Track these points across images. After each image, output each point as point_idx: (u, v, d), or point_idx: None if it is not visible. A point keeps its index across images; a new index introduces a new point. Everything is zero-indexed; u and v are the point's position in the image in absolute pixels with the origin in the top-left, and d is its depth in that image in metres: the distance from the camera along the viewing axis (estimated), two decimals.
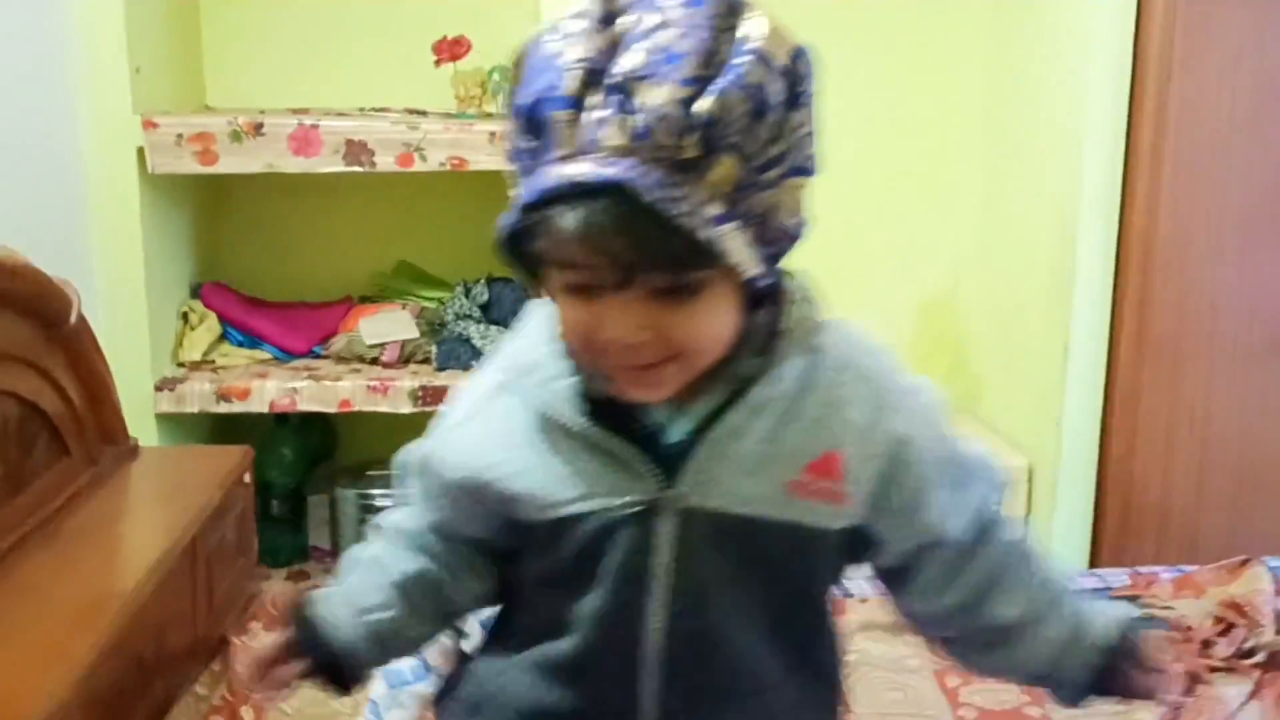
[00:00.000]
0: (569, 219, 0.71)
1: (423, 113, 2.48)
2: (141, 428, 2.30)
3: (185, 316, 2.45)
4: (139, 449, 1.98)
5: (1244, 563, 1.93)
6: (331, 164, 2.20)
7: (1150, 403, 2.41)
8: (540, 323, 0.86)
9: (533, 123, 0.73)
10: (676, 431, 0.83)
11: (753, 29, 0.72)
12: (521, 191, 0.75)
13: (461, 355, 2.38)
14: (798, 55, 0.76)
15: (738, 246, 0.73)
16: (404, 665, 1.47)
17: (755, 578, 0.84)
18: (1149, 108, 2.28)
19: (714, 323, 0.77)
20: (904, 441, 0.86)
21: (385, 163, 2.21)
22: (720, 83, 0.70)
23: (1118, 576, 2.08)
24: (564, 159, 0.71)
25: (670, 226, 0.70)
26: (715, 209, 0.72)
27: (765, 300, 0.82)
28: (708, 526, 0.82)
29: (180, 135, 2.18)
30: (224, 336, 2.47)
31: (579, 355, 0.81)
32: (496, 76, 2.41)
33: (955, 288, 2.96)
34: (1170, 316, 2.36)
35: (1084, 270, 2.39)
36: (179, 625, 1.69)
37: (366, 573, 0.95)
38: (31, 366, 1.64)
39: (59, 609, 1.41)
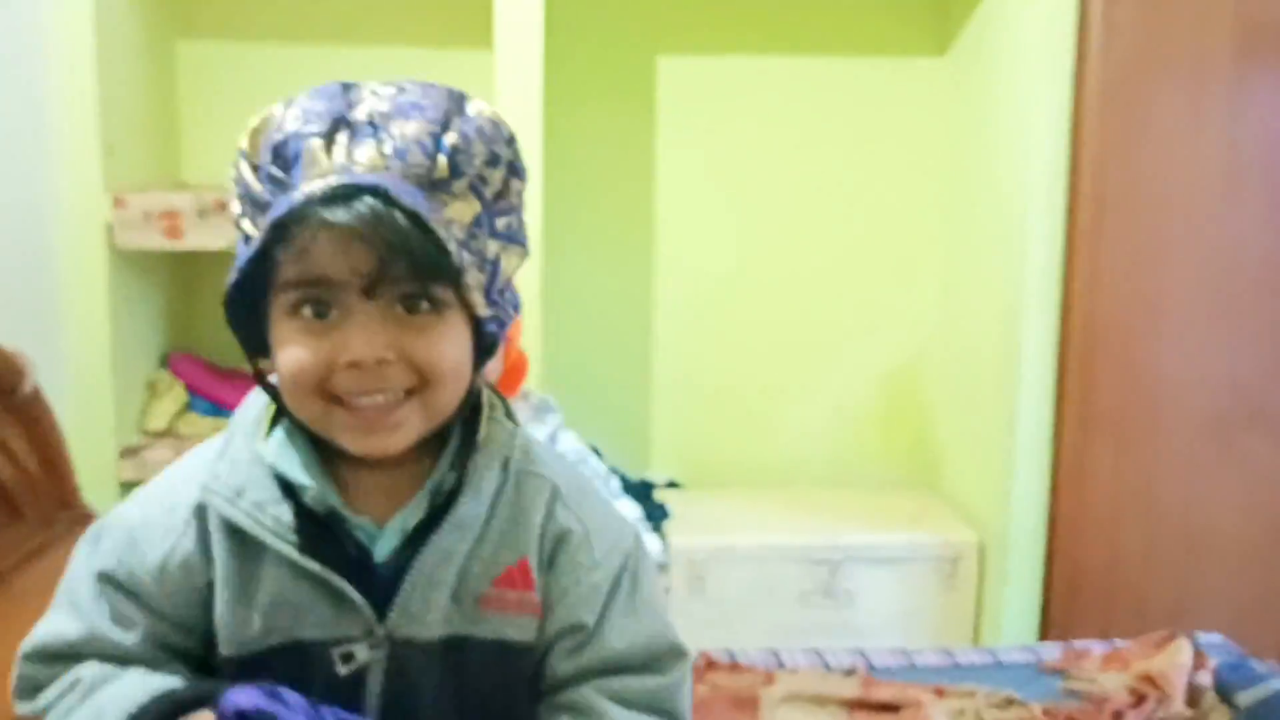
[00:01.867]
0: (327, 217, 0.71)
1: None
2: (104, 494, 2.36)
3: (153, 386, 2.52)
4: (92, 516, 2.04)
5: (1169, 637, 1.97)
6: None
7: (1097, 479, 2.45)
8: (242, 442, 0.82)
9: (280, 157, 0.75)
10: (383, 549, 0.81)
11: (481, 106, 0.79)
12: (262, 221, 0.75)
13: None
14: (514, 138, 0.81)
15: (474, 277, 0.76)
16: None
17: (465, 701, 0.82)
18: (1087, 191, 2.35)
19: (454, 350, 0.77)
20: (568, 533, 0.84)
21: None
22: (462, 125, 0.76)
23: (1050, 650, 2.11)
24: (319, 178, 0.73)
25: (424, 229, 0.72)
26: (459, 233, 0.75)
27: (475, 412, 0.83)
28: (417, 652, 0.80)
29: (148, 213, 2.26)
30: (190, 406, 2.54)
31: (308, 402, 0.76)
32: None
33: (919, 361, 3.02)
34: (1114, 394, 2.42)
35: (1028, 348, 2.45)
36: None
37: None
38: None
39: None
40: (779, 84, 2.88)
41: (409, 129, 0.74)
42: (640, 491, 2.86)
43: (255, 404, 0.84)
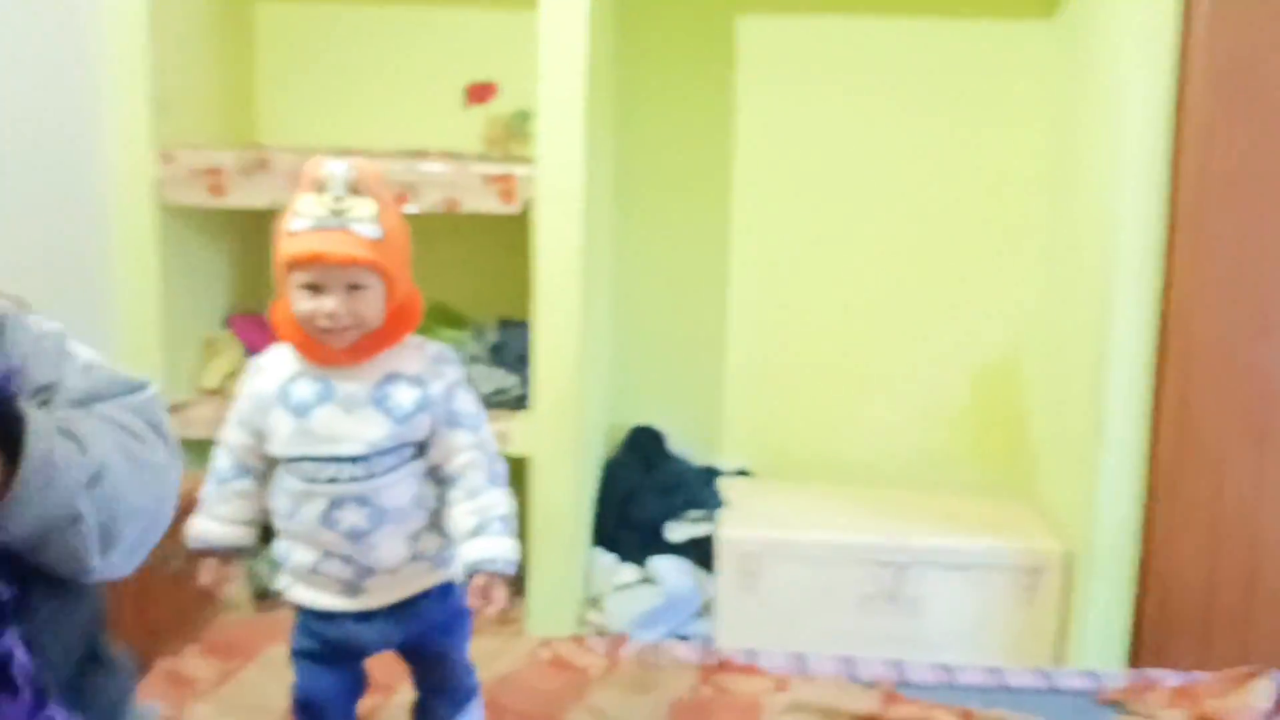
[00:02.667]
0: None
1: (457, 155, 2.49)
2: None
3: (211, 345, 2.53)
4: None
5: (1250, 675, 1.71)
6: None
7: (1195, 494, 2.18)
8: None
9: None
10: None
11: None
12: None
13: None
14: None
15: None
16: (224, 464, 1.51)
17: None
18: (1190, 175, 2.08)
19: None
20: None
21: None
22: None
23: (1115, 679, 1.87)
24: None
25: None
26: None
27: None
28: None
29: (193, 169, 2.26)
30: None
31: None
32: (520, 121, 2.42)
33: (1016, 354, 2.76)
34: (1215, 402, 2.14)
35: (1120, 347, 2.20)
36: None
37: None
38: None
39: None
40: (868, 46, 2.68)
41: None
42: (704, 478, 2.71)
43: None
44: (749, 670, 1.91)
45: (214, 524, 1.49)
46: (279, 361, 1.50)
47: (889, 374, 2.81)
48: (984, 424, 2.79)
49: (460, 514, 1.46)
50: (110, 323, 2.33)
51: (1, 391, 0.90)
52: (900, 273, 2.77)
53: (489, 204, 2.22)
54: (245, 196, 2.26)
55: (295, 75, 2.75)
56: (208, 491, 1.50)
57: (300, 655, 1.53)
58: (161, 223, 2.31)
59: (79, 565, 0.91)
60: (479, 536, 1.44)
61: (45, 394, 1.00)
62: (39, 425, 0.89)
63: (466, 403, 1.51)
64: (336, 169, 1.41)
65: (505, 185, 2.23)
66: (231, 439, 1.51)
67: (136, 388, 1.09)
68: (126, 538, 0.95)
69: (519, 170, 2.23)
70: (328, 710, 1.54)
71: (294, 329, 1.45)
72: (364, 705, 1.60)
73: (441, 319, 2.69)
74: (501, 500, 1.48)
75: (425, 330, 2.58)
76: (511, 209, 2.24)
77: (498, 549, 1.44)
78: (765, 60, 2.70)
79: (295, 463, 1.45)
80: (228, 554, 1.50)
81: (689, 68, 2.72)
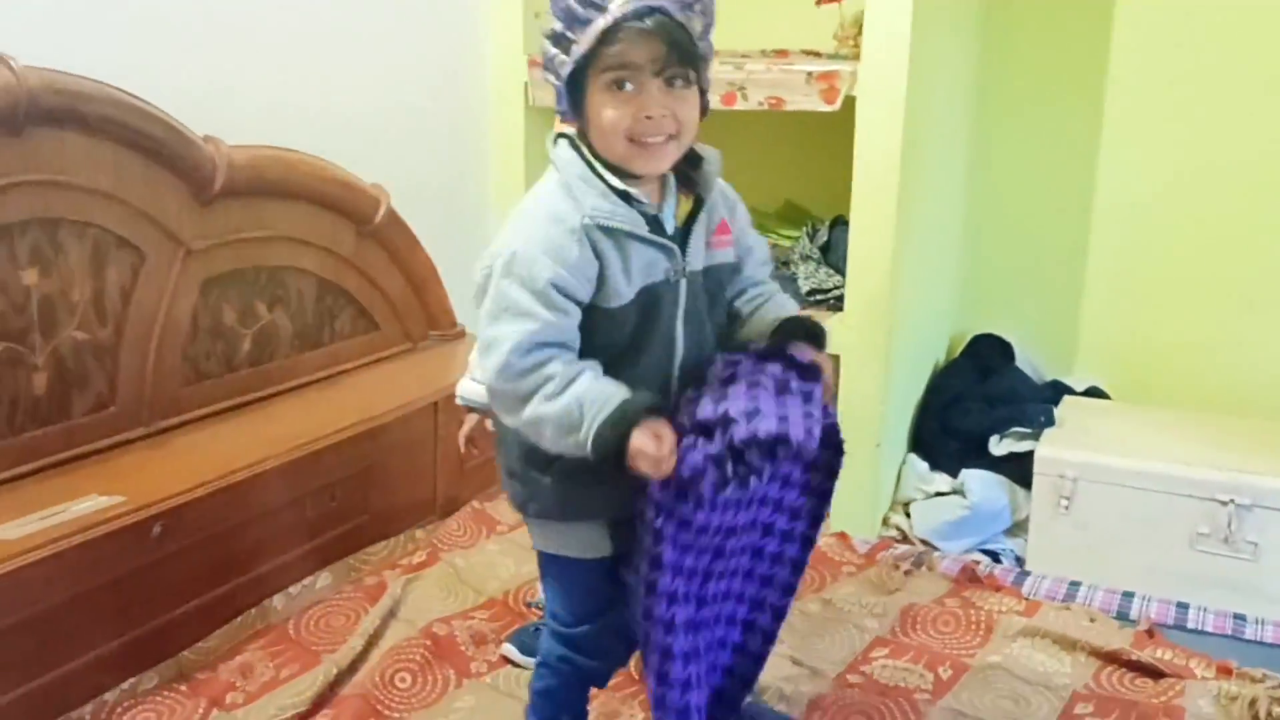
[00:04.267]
0: (637, 26, 1.13)
1: (816, 54, 2.52)
2: None
3: None
4: (464, 334, 2.35)
5: None
6: None
7: None
8: (584, 184, 1.21)
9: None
10: (669, 223, 1.26)
11: None
12: (583, 32, 1.16)
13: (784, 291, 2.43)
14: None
15: (704, 69, 1.20)
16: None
17: (712, 299, 1.32)
18: None
19: (693, 111, 1.21)
20: (737, 204, 1.35)
21: (713, 102, 2.32)
22: None
23: None
24: (627, 2, 1.15)
25: (686, 34, 1.16)
26: (700, 39, 1.19)
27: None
28: (695, 275, 1.28)
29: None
30: None
31: (615, 140, 1.18)
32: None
33: None
34: None
35: None
36: (413, 475, 2.03)
37: None
38: (331, 254, 2.06)
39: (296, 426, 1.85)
40: None
41: None
42: (1043, 394, 2.58)
43: (570, 163, 1.23)
44: (1004, 588, 1.85)
45: (477, 385, 1.71)
46: None
47: (1268, 295, 2.49)
48: None
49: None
50: (486, 213, 2.66)
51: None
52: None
53: (811, 102, 2.24)
54: None
55: None
56: (472, 356, 1.73)
57: None
58: (528, 124, 2.59)
59: None
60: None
61: (751, 254, 1.38)
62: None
63: None
64: None
65: (828, 83, 2.24)
66: None
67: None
68: None
69: (843, 67, 2.23)
70: None
71: None
72: None
73: (786, 217, 2.76)
74: None
75: (763, 229, 2.71)
76: (832, 107, 2.24)
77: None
78: None
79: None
80: (485, 411, 1.72)
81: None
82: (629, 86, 1.16)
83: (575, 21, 1.18)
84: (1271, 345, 2.50)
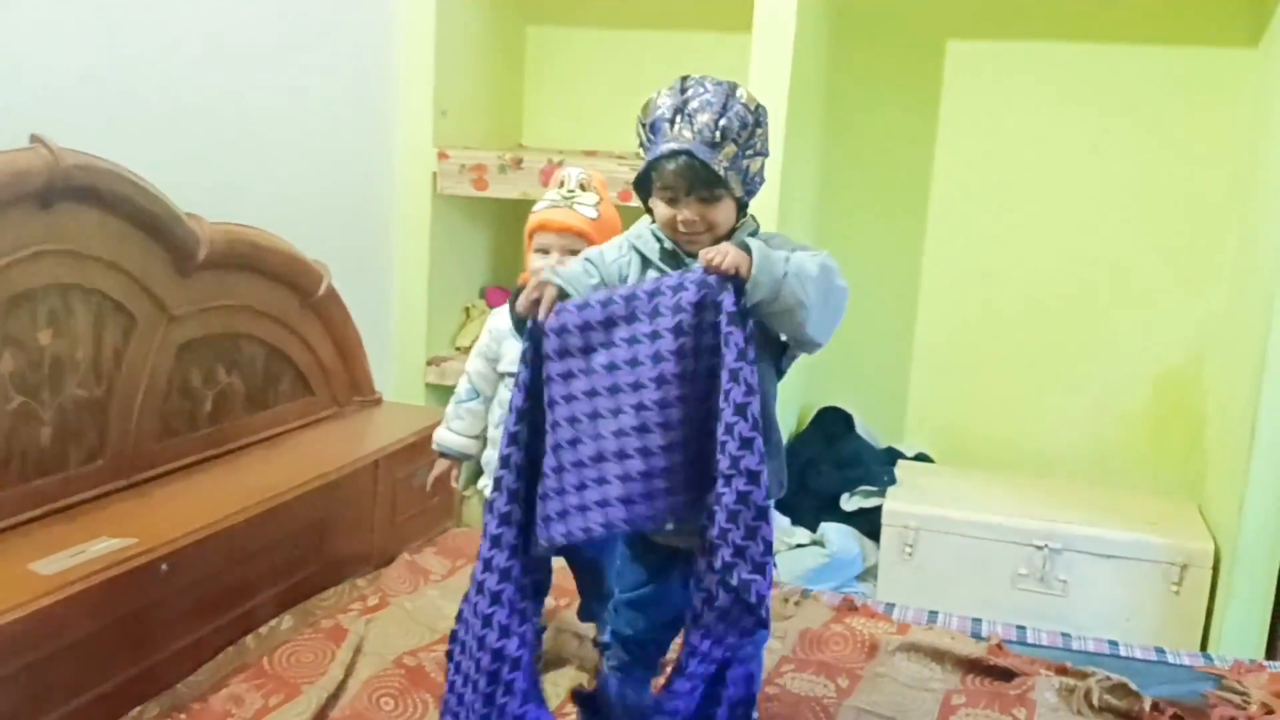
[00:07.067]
0: (670, 165, 1.42)
1: None
2: (414, 392, 2.91)
3: (468, 311, 3.04)
4: (381, 400, 2.56)
5: None
6: None
7: None
8: (644, 236, 1.52)
9: (654, 128, 1.46)
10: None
11: (742, 94, 1.47)
12: (646, 158, 1.47)
13: None
14: (760, 106, 1.48)
15: (734, 183, 1.46)
16: (463, 388, 1.91)
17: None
18: None
19: (724, 215, 1.47)
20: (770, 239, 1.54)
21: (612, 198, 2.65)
22: (729, 114, 1.44)
23: (1224, 662, 2.05)
24: (668, 142, 1.43)
25: (710, 169, 1.41)
26: (725, 165, 1.44)
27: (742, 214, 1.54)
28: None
29: (462, 165, 2.76)
30: None
31: (666, 230, 1.49)
32: None
33: (1198, 365, 2.88)
34: None
35: (1276, 359, 2.33)
36: (355, 528, 2.22)
37: None
38: (280, 323, 2.25)
39: (259, 480, 1.99)
40: (1071, 69, 2.88)
41: (704, 118, 1.43)
42: (882, 458, 2.99)
43: (641, 227, 1.54)
44: (878, 615, 2.20)
45: (450, 434, 1.93)
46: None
47: (1071, 371, 3.00)
48: (1161, 425, 2.93)
49: None
50: (390, 288, 2.87)
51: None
52: (1089, 276, 2.95)
53: None
54: (502, 189, 2.74)
55: (555, 87, 3.23)
56: (448, 410, 1.94)
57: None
58: (435, 210, 2.83)
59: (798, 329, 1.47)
60: None
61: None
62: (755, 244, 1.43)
63: None
64: (572, 171, 1.84)
65: None
66: (471, 367, 1.94)
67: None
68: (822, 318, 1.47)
69: None
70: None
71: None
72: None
73: None
74: None
75: None
76: None
77: None
78: (971, 79, 2.96)
79: (513, 375, 1.86)
80: (456, 458, 1.93)
81: (897, 85, 3.01)
82: (671, 197, 1.47)
83: (643, 145, 1.53)
84: (1068, 415, 2.99)
